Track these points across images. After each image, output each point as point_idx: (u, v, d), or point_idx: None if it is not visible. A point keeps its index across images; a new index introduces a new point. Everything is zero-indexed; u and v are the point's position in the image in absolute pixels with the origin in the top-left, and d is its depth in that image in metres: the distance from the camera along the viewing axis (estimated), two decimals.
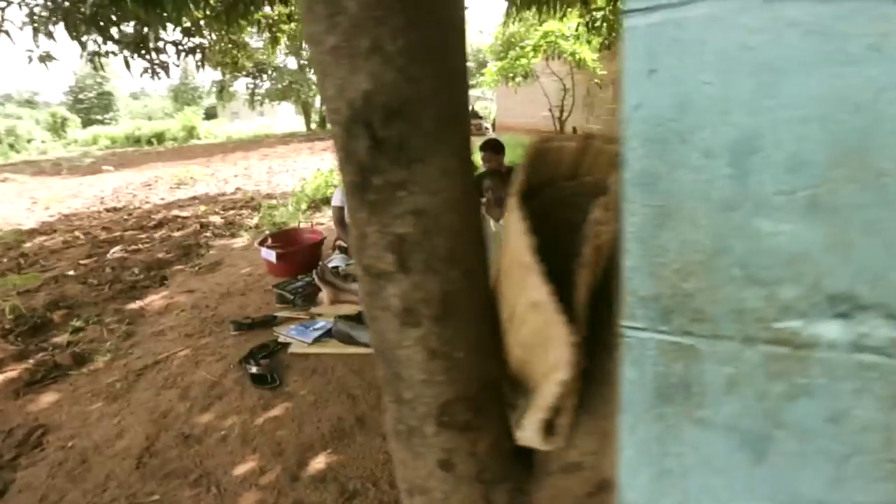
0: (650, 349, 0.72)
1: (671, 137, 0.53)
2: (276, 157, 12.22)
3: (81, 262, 4.06)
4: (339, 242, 3.72)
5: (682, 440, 0.76)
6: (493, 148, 3.86)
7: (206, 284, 3.54)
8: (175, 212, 5.92)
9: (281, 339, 2.62)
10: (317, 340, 2.57)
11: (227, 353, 2.53)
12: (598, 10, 5.75)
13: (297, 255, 3.62)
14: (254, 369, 2.26)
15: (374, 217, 0.55)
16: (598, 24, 6.04)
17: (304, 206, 5.61)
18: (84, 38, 3.58)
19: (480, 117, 23.18)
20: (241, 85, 19.01)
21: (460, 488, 0.72)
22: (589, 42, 7.12)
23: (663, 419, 0.78)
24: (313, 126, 22.67)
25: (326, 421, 1.95)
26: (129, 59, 4.05)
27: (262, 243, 3.69)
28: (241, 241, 4.67)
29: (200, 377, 2.31)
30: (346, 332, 2.54)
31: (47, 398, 2.20)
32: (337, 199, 3.80)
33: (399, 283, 0.58)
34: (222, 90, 9.02)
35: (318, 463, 1.73)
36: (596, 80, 8.44)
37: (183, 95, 35.02)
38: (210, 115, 31.82)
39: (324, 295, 3.10)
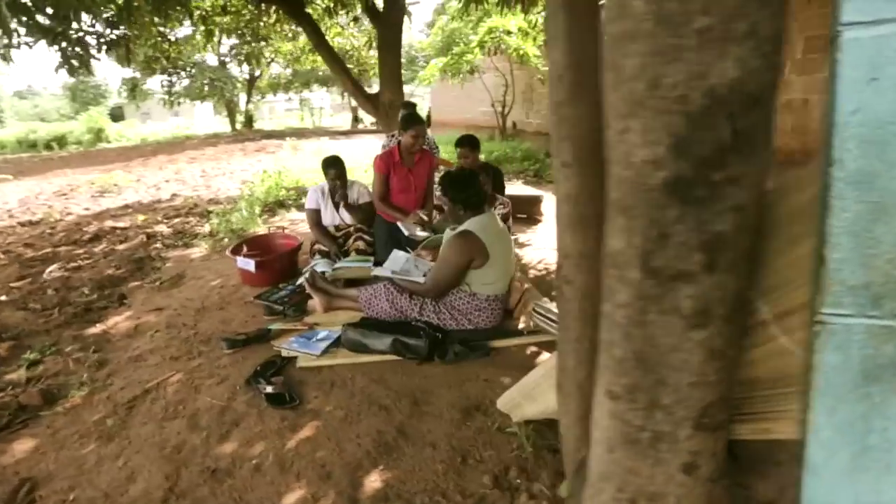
0: (857, 334, 0.73)
1: (891, 139, 0.57)
2: (206, 160, 11.41)
3: (13, 285, 3.53)
4: (319, 246, 3.53)
5: (888, 415, 0.79)
6: (472, 144, 3.84)
7: (174, 301, 3.22)
8: (109, 223, 5.33)
9: (284, 353, 2.43)
10: (325, 352, 2.42)
11: (226, 373, 2.31)
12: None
13: (276, 262, 3.39)
14: (269, 388, 2.08)
15: (689, 215, 0.51)
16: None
17: (258, 210, 5.28)
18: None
19: None
20: (154, 83, 17.52)
21: (695, 490, 0.69)
22: (535, 38, 7.30)
23: (869, 398, 0.80)
24: (238, 126, 21.40)
25: (365, 436, 1.84)
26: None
27: (235, 252, 3.41)
28: (198, 250, 4.30)
29: (205, 403, 2.09)
30: (357, 340, 2.41)
31: (22, 446, 1.89)
32: (312, 201, 3.60)
33: (699, 284, 0.53)
34: (135, 88, 8.25)
35: (374, 482, 1.62)
36: (539, 76, 8.67)
37: (82, 94, 31.70)
38: (116, 116, 29.02)
39: (316, 303, 2.93)
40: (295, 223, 5.18)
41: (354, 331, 2.43)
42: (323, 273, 3.20)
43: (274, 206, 5.77)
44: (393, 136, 4.39)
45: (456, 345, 2.37)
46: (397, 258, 2.88)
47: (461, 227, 2.41)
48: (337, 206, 3.65)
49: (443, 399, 2.06)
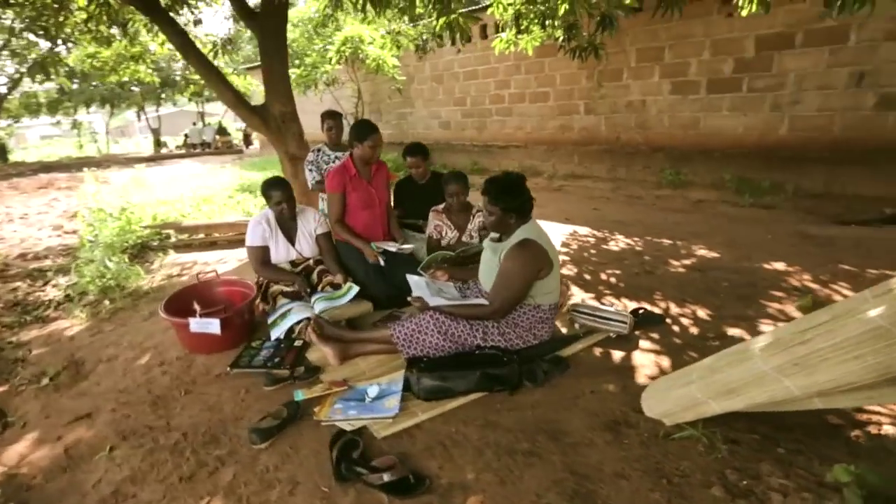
0: None
1: None
2: None
3: None
4: (280, 287, 2.86)
5: None
6: (423, 152, 3.60)
7: (98, 399, 2.24)
8: None
9: (348, 426, 1.89)
10: (400, 409, 1.96)
11: (289, 474, 1.69)
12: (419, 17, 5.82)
13: (238, 317, 2.64)
14: (385, 477, 1.57)
15: None
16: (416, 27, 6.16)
17: (124, 258, 4.07)
18: None
19: (227, 134, 20.78)
20: None
21: None
22: (398, 47, 7.20)
23: None
24: None
25: (547, 492, 1.53)
26: None
27: (172, 311, 2.54)
28: (70, 323, 3.09)
29: None
30: (438, 385, 2.01)
31: None
32: (255, 236, 2.91)
33: None
34: None
35: None
36: (397, 86, 8.61)
37: None
38: None
39: (328, 354, 2.37)
40: (197, 265, 4.14)
41: (430, 376, 2.02)
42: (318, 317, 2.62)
43: (137, 251, 4.53)
44: (319, 150, 3.82)
45: (540, 364, 2.16)
46: (419, 284, 2.50)
47: (518, 237, 2.20)
48: (292, 241, 3.03)
49: (573, 424, 1.85)
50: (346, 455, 1.71)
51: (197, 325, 2.42)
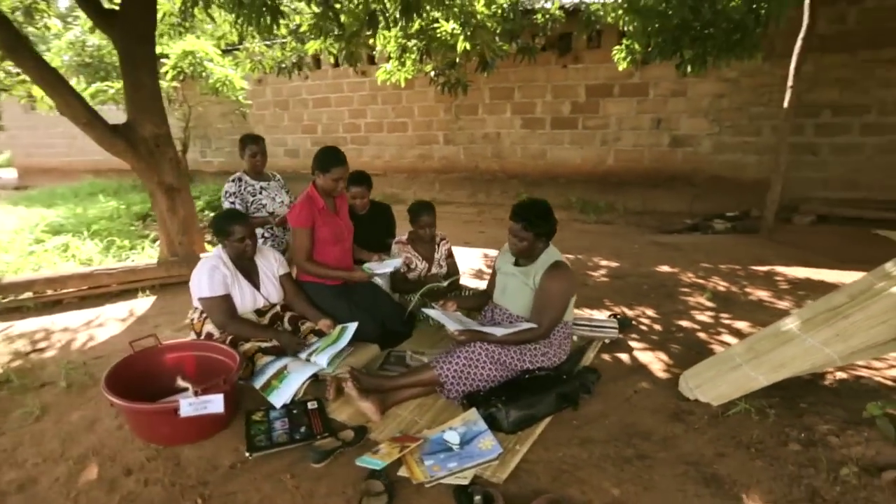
0: None
1: None
2: None
3: None
4: (257, 343, 2.39)
5: None
6: (368, 182, 3.46)
7: None
8: None
9: (462, 481, 1.72)
10: (498, 450, 1.87)
11: None
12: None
13: (231, 388, 2.11)
14: None
15: None
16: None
17: None
18: None
19: None
20: None
21: None
22: (254, 70, 6.55)
23: None
24: None
25: (690, 483, 1.69)
26: None
27: (116, 390, 1.90)
28: None
29: None
30: (525, 414, 2.00)
31: None
32: (215, 284, 2.44)
33: None
34: None
35: None
36: (242, 110, 7.81)
37: None
38: None
39: (368, 410, 2.11)
40: (57, 334, 3.02)
41: (516, 406, 1.99)
42: (333, 373, 2.28)
43: None
44: (239, 179, 3.26)
45: (586, 375, 2.31)
46: (444, 317, 2.40)
47: (550, 259, 2.32)
48: (256, 285, 2.56)
49: (647, 422, 2.06)
50: None
51: (192, 406, 1.86)
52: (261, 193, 3.29)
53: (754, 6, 3.51)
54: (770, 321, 2.95)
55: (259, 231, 3.20)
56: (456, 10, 4.41)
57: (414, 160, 8.03)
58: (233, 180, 3.24)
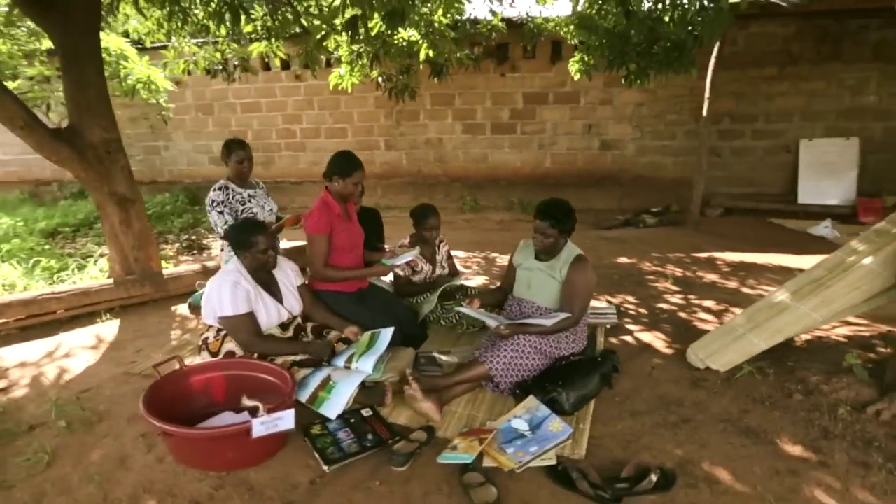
0: None
1: None
2: None
3: None
4: (290, 358, 2.31)
5: None
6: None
7: None
8: None
9: (549, 462, 1.84)
10: (568, 431, 2.01)
11: None
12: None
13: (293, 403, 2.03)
14: (653, 478, 1.68)
15: None
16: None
17: None
18: None
19: None
20: None
21: None
22: (189, 72, 6.02)
23: None
24: None
25: (735, 434, 1.97)
26: None
27: (162, 415, 1.76)
28: None
29: None
30: (581, 394, 2.17)
31: None
32: (239, 301, 2.30)
33: None
34: None
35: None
36: (165, 114, 7.14)
37: None
38: None
39: (428, 410, 2.15)
40: (27, 367, 2.60)
41: (572, 388, 2.15)
42: (381, 378, 2.28)
43: None
44: (226, 187, 3.05)
45: (612, 357, 2.54)
46: (479, 315, 2.50)
47: (572, 253, 2.52)
48: (280, 299, 2.46)
49: (675, 392, 2.33)
50: (592, 484, 1.70)
51: (264, 425, 1.76)
52: (250, 202, 3.12)
53: (690, 28, 4.04)
54: (729, 299, 3.44)
55: None
56: (417, 17, 4.50)
57: None
58: (219, 188, 3.04)
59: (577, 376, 2.24)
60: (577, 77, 4.84)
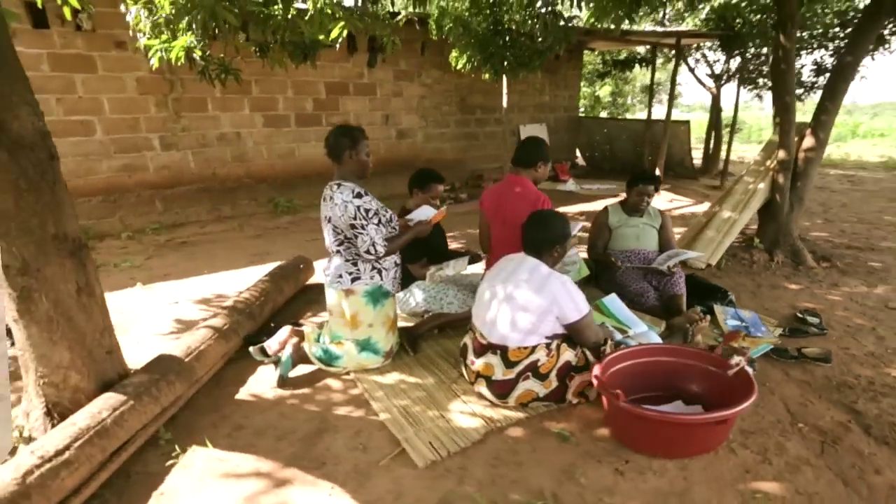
0: None
1: None
2: None
3: None
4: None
5: None
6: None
7: None
8: None
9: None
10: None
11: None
12: None
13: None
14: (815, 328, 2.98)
15: None
16: None
17: None
18: None
19: None
20: None
21: None
22: None
23: None
24: None
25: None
26: None
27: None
28: None
29: None
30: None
31: None
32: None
33: None
34: None
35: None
36: None
37: None
38: None
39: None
40: None
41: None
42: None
43: None
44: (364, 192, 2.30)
45: None
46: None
47: (655, 207, 3.47)
48: None
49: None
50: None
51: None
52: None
53: (540, 39, 5.38)
54: None
55: None
56: None
57: (114, 175, 5.64)
58: (359, 192, 2.36)
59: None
60: (463, 68, 5.46)
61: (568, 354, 2.18)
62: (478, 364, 2.24)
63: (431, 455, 1.93)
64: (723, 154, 9.04)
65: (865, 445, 1.97)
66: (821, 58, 8.71)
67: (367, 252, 2.38)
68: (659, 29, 9.11)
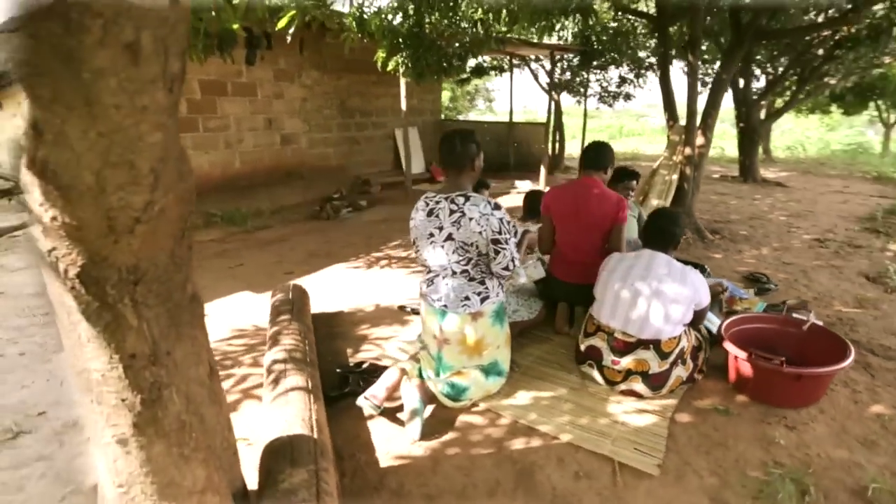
0: None
1: None
2: None
3: None
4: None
5: None
6: None
7: None
8: None
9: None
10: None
11: None
12: None
13: None
14: None
15: None
16: None
17: None
18: None
19: None
20: None
21: None
22: None
23: None
24: None
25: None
26: None
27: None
28: None
29: None
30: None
31: None
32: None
33: None
34: None
35: None
36: None
37: None
38: None
39: None
40: None
41: None
42: None
43: None
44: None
45: None
46: None
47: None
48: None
49: None
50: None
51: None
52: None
53: (458, 45, 5.48)
54: None
55: None
56: None
57: None
58: (496, 205, 2.17)
59: None
60: (393, 70, 5.14)
61: (692, 336, 2.39)
62: (625, 363, 2.27)
63: (652, 460, 1.91)
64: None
65: None
66: (620, 75, 10.88)
67: (505, 268, 2.18)
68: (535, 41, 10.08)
